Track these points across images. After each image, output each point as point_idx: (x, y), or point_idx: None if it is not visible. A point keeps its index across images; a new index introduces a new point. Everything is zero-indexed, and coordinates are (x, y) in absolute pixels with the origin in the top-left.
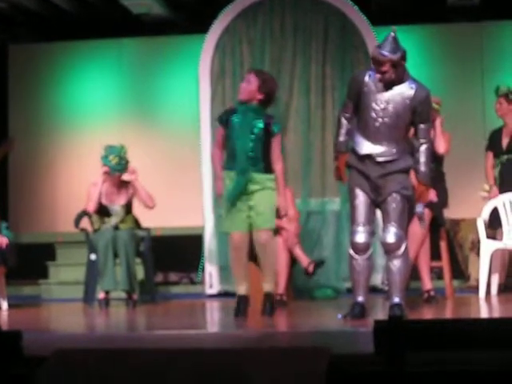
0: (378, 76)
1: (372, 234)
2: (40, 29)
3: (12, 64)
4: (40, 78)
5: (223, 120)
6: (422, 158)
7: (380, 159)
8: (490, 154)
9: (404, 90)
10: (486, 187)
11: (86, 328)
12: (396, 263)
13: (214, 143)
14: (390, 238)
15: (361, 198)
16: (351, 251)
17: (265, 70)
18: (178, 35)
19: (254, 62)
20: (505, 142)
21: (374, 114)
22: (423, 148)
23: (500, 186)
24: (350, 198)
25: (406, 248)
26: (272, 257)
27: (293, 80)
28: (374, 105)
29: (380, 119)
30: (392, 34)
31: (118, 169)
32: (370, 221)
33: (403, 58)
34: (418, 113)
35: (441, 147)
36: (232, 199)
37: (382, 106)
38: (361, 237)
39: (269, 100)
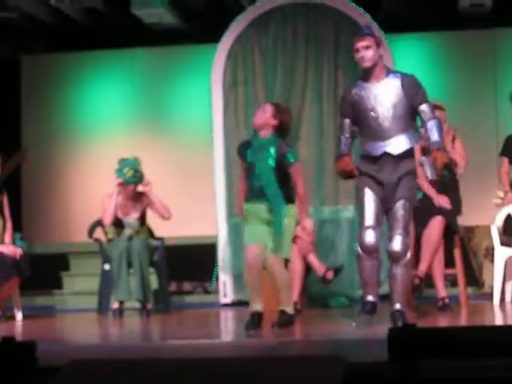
0: (361, 54)
1: (380, 235)
2: (52, 39)
3: (25, 75)
4: (52, 89)
5: (240, 153)
6: (434, 130)
7: (396, 152)
8: (506, 160)
9: (390, 82)
10: (500, 194)
11: (100, 338)
12: (400, 271)
13: (239, 178)
14: (397, 246)
15: (370, 198)
16: (360, 252)
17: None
18: (189, 45)
19: (266, 70)
20: None
21: (373, 114)
22: (432, 123)
23: None
24: (359, 198)
25: (410, 256)
26: (281, 282)
27: (305, 88)
28: (369, 106)
29: (380, 115)
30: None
31: (133, 181)
32: (379, 222)
33: (382, 43)
34: (413, 96)
35: (462, 163)
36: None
37: (378, 102)
38: (370, 238)
39: (283, 128)
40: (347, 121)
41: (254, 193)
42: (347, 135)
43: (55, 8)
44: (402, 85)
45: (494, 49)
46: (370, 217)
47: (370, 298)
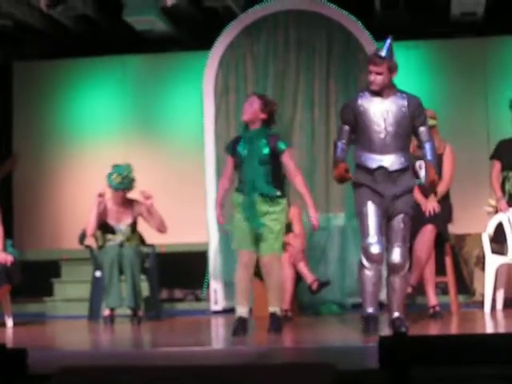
0: (371, 78)
1: (384, 244)
2: (44, 46)
3: (16, 81)
4: (44, 96)
5: (230, 150)
6: (429, 151)
7: (392, 168)
8: (497, 164)
9: (397, 100)
10: (492, 202)
11: (91, 345)
12: (398, 281)
13: (223, 172)
14: (397, 258)
15: (372, 210)
16: (365, 262)
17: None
18: (181, 52)
19: (258, 77)
20: None
21: (376, 127)
22: (428, 145)
23: (510, 201)
24: (361, 210)
25: (408, 267)
26: (276, 280)
27: (296, 95)
28: (375, 119)
29: (384, 130)
30: (389, 41)
31: (120, 188)
32: (382, 233)
33: (396, 67)
34: (416, 117)
35: (447, 176)
36: (243, 220)
37: (383, 117)
38: (376, 248)
39: (271, 119)
40: (347, 127)
41: (246, 184)
42: (344, 141)
43: (47, 15)
44: (408, 105)
45: (485, 57)
46: (373, 228)
47: (371, 310)
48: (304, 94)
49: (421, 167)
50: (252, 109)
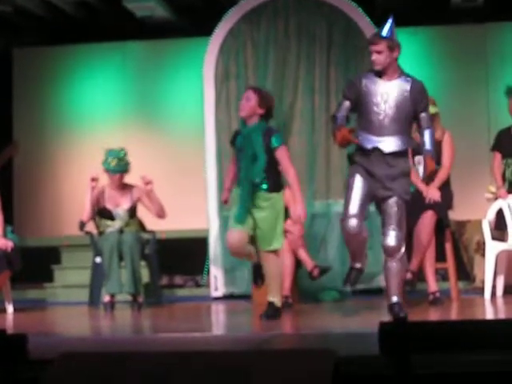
0: (373, 57)
1: (364, 219)
2: (44, 32)
3: (16, 68)
4: (44, 82)
5: (231, 141)
6: (427, 139)
7: (387, 150)
8: (498, 155)
9: (400, 84)
10: (492, 188)
11: (92, 331)
12: (395, 265)
13: (231, 159)
14: (392, 240)
15: (359, 185)
16: (344, 234)
17: (255, 86)
18: (181, 38)
19: (259, 64)
20: None
21: (376, 109)
22: (427, 132)
23: (510, 188)
24: (348, 183)
25: (405, 251)
26: (273, 271)
27: (297, 82)
28: (375, 100)
29: (383, 112)
30: (390, 20)
31: (117, 170)
32: (363, 210)
33: (398, 47)
34: (418, 102)
35: (446, 163)
36: (239, 217)
37: (383, 99)
38: (353, 224)
39: (269, 114)
40: (347, 103)
41: (241, 179)
42: (343, 114)
43: (47, 1)
44: (411, 89)
45: (486, 43)
46: (354, 205)
47: (358, 265)
48: (304, 82)
49: (419, 162)
50: (249, 105)
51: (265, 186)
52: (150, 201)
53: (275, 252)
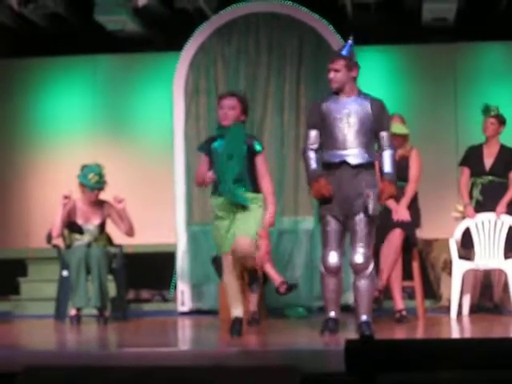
0: (330, 75)
1: (342, 255)
2: (15, 44)
3: None
4: (13, 94)
5: (204, 149)
6: (387, 161)
7: (354, 162)
8: (466, 171)
9: (360, 102)
10: (459, 207)
11: (57, 345)
12: (364, 282)
13: (199, 167)
14: (359, 258)
15: (332, 226)
16: (323, 271)
17: (235, 91)
18: (152, 52)
19: (229, 79)
20: (488, 162)
21: (340, 124)
22: (387, 153)
23: (479, 207)
24: (322, 225)
25: (373, 268)
26: (250, 261)
27: (267, 98)
28: (338, 116)
29: (346, 125)
30: (350, 41)
31: (97, 187)
32: (341, 245)
33: (357, 66)
34: (379, 120)
35: (413, 179)
36: (220, 224)
37: (346, 114)
38: (333, 259)
39: (246, 116)
40: (314, 132)
41: (221, 182)
42: (315, 146)
43: (19, 13)
44: (372, 107)
45: (456, 62)
46: (332, 242)
47: (333, 314)
48: (274, 98)
49: (368, 196)
50: (234, 114)
51: (247, 186)
52: (121, 220)
53: (250, 242)
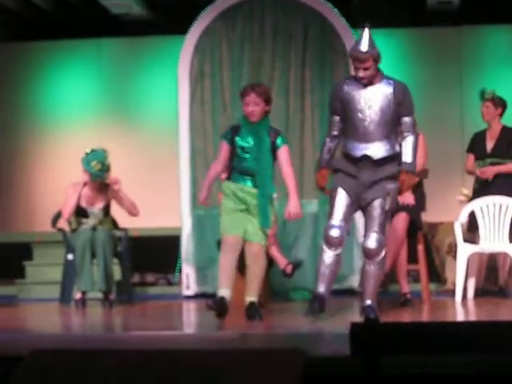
0: (361, 74)
1: (347, 231)
2: (18, 28)
3: None
4: (18, 77)
5: (228, 138)
6: (409, 149)
7: (376, 157)
8: (471, 157)
9: (383, 88)
10: (464, 191)
11: (63, 328)
12: (373, 268)
13: (217, 157)
14: (372, 243)
15: (342, 196)
16: (324, 245)
17: (256, 84)
18: (157, 36)
19: (233, 63)
20: (489, 145)
21: (360, 115)
22: (409, 139)
23: (481, 189)
24: (331, 195)
25: (385, 254)
26: (261, 270)
27: (272, 82)
28: (359, 107)
29: (368, 118)
30: (366, 30)
31: (99, 175)
32: (347, 219)
33: (380, 54)
34: (401, 105)
35: (419, 164)
36: (232, 207)
37: (367, 105)
38: (336, 231)
39: (270, 108)
40: (337, 118)
41: (243, 174)
42: (335, 133)
43: None
44: (394, 91)
45: (461, 46)
46: (337, 215)
47: (322, 289)
48: (279, 82)
49: (388, 192)
50: (259, 109)
51: (265, 182)
52: (120, 200)
53: (261, 248)
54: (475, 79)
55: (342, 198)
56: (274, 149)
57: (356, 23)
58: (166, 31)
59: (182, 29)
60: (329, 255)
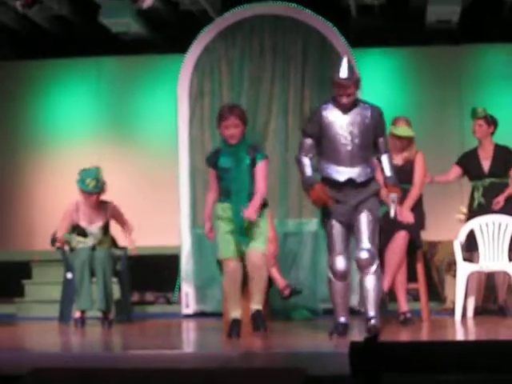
0: (344, 101)
1: (349, 259)
2: (19, 46)
3: None
4: (18, 96)
5: (211, 163)
6: (387, 165)
7: (359, 180)
8: (457, 169)
9: (360, 111)
10: (463, 209)
11: (62, 347)
12: (370, 280)
13: (210, 186)
14: (364, 254)
15: (337, 229)
16: (332, 277)
17: (231, 104)
18: (157, 55)
19: (233, 82)
20: (485, 164)
21: (343, 140)
22: (385, 156)
23: (481, 210)
24: (327, 229)
25: (379, 265)
26: (263, 279)
27: (271, 101)
28: (340, 132)
29: (350, 142)
30: (345, 58)
31: (95, 192)
32: (347, 247)
33: (360, 79)
34: (377, 127)
35: (418, 182)
36: (228, 229)
37: (348, 129)
38: (340, 264)
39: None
40: (310, 141)
41: (230, 194)
42: (310, 155)
43: (23, 15)
44: (372, 116)
45: (460, 64)
46: (338, 248)
47: (343, 319)
48: (279, 101)
49: (393, 201)
50: (239, 131)
51: (245, 202)
52: (122, 223)
53: (262, 256)
54: (474, 97)
55: (338, 231)
56: (255, 165)
57: (355, 42)
58: (165, 50)
59: (181, 47)
60: (339, 286)
